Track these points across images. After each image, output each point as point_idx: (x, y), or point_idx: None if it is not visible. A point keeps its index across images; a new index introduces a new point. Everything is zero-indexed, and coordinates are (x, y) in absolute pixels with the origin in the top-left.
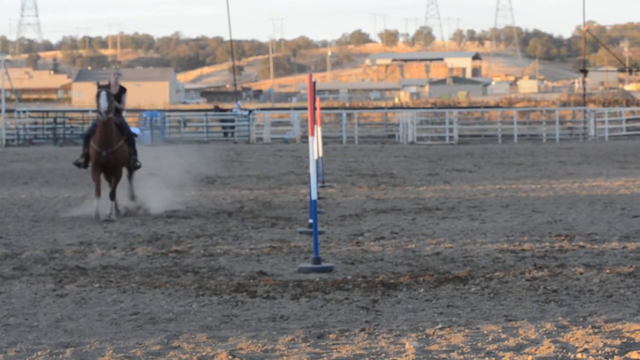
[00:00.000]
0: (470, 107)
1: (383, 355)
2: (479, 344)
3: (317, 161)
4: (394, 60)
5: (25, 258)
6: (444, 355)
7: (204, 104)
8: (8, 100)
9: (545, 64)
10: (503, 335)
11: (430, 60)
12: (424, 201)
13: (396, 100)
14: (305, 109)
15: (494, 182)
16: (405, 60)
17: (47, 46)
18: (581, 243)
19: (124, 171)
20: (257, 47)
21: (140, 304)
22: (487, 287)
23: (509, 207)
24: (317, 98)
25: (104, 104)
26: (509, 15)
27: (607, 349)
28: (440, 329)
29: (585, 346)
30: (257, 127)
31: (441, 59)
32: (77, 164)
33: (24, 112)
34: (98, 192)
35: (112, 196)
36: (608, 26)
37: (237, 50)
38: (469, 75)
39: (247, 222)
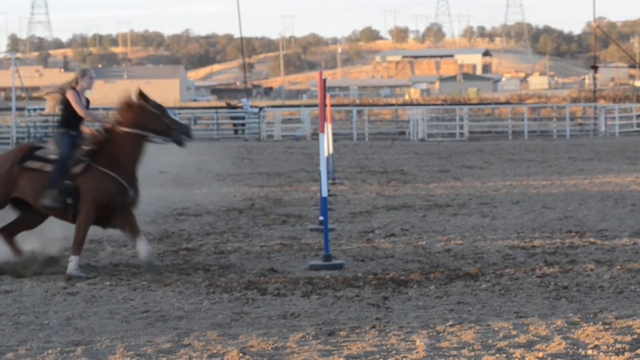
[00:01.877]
0: (481, 104)
1: (394, 352)
2: (490, 341)
3: (327, 158)
4: (404, 57)
5: None
6: (454, 352)
7: (214, 101)
8: (18, 98)
9: (555, 60)
10: (514, 332)
11: (441, 56)
12: (434, 198)
13: (406, 97)
14: (316, 106)
15: (504, 179)
16: (416, 57)
17: (58, 44)
18: (592, 239)
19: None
20: (268, 45)
21: (151, 301)
22: (497, 284)
23: (520, 204)
24: (328, 95)
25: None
26: (519, 12)
27: (618, 345)
28: (451, 325)
29: (596, 342)
30: (267, 125)
31: (451, 56)
32: None
33: (35, 110)
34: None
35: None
36: (618, 22)
37: (247, 47)
38: (479, 71)
39: (258, 219)
